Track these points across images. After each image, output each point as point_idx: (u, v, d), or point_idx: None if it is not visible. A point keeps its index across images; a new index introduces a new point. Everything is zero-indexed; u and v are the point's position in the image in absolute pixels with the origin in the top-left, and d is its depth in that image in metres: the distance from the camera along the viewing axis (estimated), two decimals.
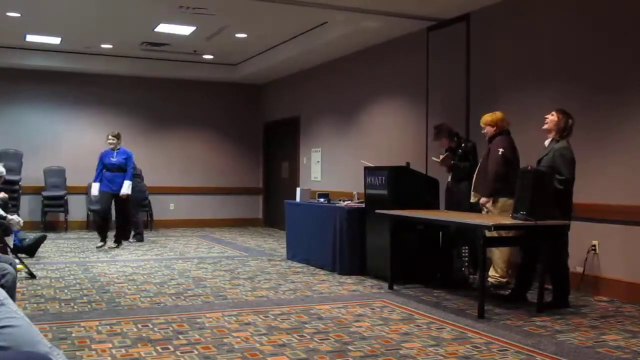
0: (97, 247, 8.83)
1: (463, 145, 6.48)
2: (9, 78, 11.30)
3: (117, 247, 8.92)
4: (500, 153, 5.69)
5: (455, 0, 7.04)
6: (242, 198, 13.13)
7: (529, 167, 5.08)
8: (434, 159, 6.78)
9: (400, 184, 6.42)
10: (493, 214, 5.74)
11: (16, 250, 7.09)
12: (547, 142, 5.26)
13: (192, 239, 10.44)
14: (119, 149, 9.02)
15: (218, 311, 4.92)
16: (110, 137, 9.03)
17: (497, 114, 5.88)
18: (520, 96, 6.60)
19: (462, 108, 7.37)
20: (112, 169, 8.94)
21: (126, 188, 8.90)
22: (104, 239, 8.99)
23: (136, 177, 9.87)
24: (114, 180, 8.89)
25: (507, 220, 5.05)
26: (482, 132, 5.96)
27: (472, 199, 6.02)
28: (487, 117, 5.90)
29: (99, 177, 8.93)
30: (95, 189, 8.94)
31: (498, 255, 6.01)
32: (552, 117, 5.22)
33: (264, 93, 13.25)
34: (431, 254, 6.37)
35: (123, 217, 9.16)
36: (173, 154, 12.55)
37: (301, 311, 4.96)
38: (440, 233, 6.42)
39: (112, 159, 8.95)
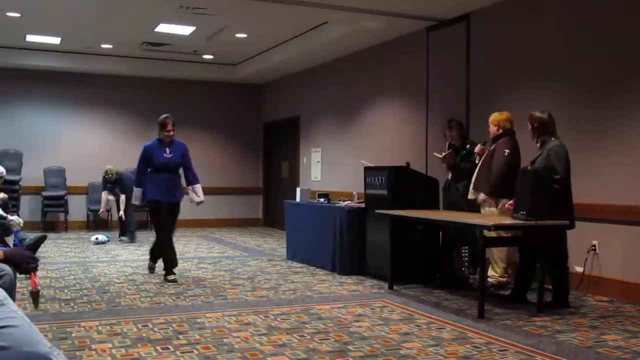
0: (151, 270, 6.79)
1: (468, 146, 6.46)
2: (9, 78, 11.30)
3: (175, 279, 6.31)
4: (506, 154, 5.71)
5: (455, 0, 7.04)
6: (242, 198, 13.13)
7: (529, 168, 5.09)
8: (435, 154, 6.76)
9: (400, 184, 6.42)
10: (494, 214, 5.74)
11: None
12: (539, 144, 5.28)
13: (192, 239, 10.44)
14: (172, 141, 6.54)
15: (218, 311, 4.92)
16: (169, 124, 6.48)
17: (504, 114, 5.90)
18: (520, 96, 6.60)
19: (462, 108, 7.37)
20: (167, 170, 6.42)
21: (201, 193, 6.63)
22: (154, 264, 6.79)
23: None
24: (171, 185, 6.43)
25: (507, 220, 5.05)
26: (490, 129, 5.97)
27: (470, 196, 6.01)
28: (494, 116, 5.93)
29: (142, 181, 6.48)
30: (139, 197, 6.52)
31: (497, 255, 6.01)
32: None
33: (264, 93, 13.24)
34: (431, 254, 6.37)
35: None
36: None
37: (301, 311, 4.96)
38: (440, 233, 6.42)
39: (165, 155, 6.43)
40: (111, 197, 9.88)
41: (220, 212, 12.84)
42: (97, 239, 9.54)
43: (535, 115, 5.27)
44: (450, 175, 6.64)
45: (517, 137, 5.85)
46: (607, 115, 5.76)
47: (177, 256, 6.60)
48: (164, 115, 6.56)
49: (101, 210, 9.97)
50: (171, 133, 6.46)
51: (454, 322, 4.62)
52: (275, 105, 12.74)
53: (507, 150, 5.71)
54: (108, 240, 9.55)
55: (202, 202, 6.65)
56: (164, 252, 6.49)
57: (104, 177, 9.86)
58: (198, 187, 6.59)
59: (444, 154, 6.56)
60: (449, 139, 6.69)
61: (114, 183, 9.72)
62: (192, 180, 6.58)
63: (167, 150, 6.45)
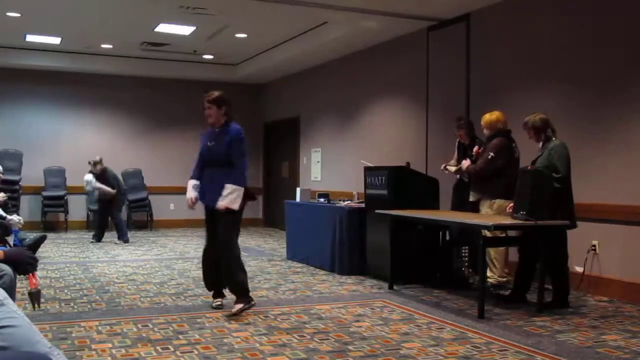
0: (216, 306, 5.02)
1: (476, 147, 6.43)
2: (9, 78, 11.30)
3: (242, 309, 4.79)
4: (489, 157, 5.74)
5: (455, 0, 7.04)
6: None
7: (529, 167, 5.09)
8: (449, 168, 6.69)
9: (400, 184, 6.42)
10: (490, 215, 5.75)
11: None
12: (540, 144, 5.29)
13: (192, 239, 10.43)
14: (224, 125, 4.90)
15: (218, 311, 4.91)
16: (204, 101, 4.89)
17: (494, 115, 5.89)
18: (520, 96, 6.60)
19: (462, 108, 7.37)
20: (210, 162, 4.93)
21: (226, 195, 4.76)
22: (217, 287, 5.13)
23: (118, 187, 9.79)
24: (213, 183, 4.86)
25: (507, 220, 5.05)
26: (484, 131, 5.98)
27: (471, 198, 6.04)
28: (484, 118, 5.94)
29: (197, 173, 5.04)
30: (192, 190, 4.96)
31: (493, 255, 6.01)
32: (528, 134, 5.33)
33: (264, 93, 13.24)
34: (431, 254, 6.37)
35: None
36: (173, 154, 12.54)
37: (301, 311, 4.96)
38: (440, 233, 6.42)
39: (209, 142, 4.95)
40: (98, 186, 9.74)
41: None
42: (90, 181, 9.55)
43: (531, 119, 5.25)
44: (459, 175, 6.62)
45: (515, 137, 5.85)
46: (607, 115, 5.76)
47: (212, 273, 5.15)
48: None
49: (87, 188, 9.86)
50: (205, 112, 4.88)
51: (454, 322, 4.61)
52: (275, 105, 12.74)
53: (491, 154, 5.74)
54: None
55: (224, 207, 4.78)
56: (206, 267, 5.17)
57: (91, 170, 9.74)
58: (227, 187, 4.76)
59: (454, 168, 6.50)
60: (458, 138, 6.68)
61: (100, 175, 9.68)
62: (226, 177, 4.82)
63: (214, 135, 4.92)
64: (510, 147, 5.80)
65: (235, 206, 4.79)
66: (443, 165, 6.65)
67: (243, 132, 4.91)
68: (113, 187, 9.68)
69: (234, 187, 4.77)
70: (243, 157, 4.86)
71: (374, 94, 9.35)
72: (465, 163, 6.02)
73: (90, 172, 9.72)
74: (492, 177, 5.78)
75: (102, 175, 9.67)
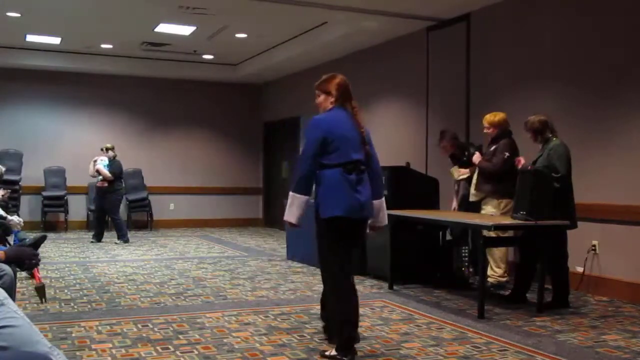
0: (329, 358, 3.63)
1: (467, 153, 6.40)
2: (9, 78, 11.29)
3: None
4: (505, 157, 5.69)
5: (455, 0, 7.05)
6: (242, 198, 13.13)
7: (529, 167, 5.09)
8: (452, 171, 6.62)
9: (400, 184, 6.42)
10: (496, 215, 5.75)
11: None
12: (541, 145, 5.29)
13: (192, 239, 10.44)
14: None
15: (218, 311, 4.92)
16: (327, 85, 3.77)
17: (500, 115, 5.87)
18: (520, 96, 6.60)
19: (462, 108, 7.37)
20: (362, 167, 3.71)
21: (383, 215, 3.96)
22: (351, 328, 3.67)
23: (117, 181, 9.75)
24: (367, 193, 3.74)
25: (507, 220, 5.05)
26: (485, 131, 5.95)
27: (472, 198, 6.02)
28: (489, 118, 5.90)
29: (309, 183, 3.77)
30: (298, 211, 3.84)
31: (496, 254, 6.01)
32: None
33: (264, 93, 13.24)
34: (431, 254, 6.37)
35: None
36: (173, 154, 12.54)
37: (301, 311, 4.96)
38: (440, 233, 6.42)
39: (354, 140, 3.71)
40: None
41: (220, 212, 12.84)
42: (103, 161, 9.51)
43: (532, 119, 5.26)
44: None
45: (517, 139, 5.85)
46: (607, 115, 5.76)
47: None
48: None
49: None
50: (320, 98, 3.83)
51: (454, 322, 4.62)
52: (275, 105, 12.73)
53: (506, 154, 5.70)
54: None
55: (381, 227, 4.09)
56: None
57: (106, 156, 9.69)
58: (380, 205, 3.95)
59: (458, 173, 6.45)
60: (443, 151, 6.62)
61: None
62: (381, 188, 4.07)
63: (359, 128, 3.81)
64: (516, 148, 5.80)
65: (288, 218, 3.84)
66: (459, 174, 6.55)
67: (313, 121, 3.76)
68: (114, 175, 9.60)
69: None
70: (301, 153, 3.80)
71: (374, 93, 9.35)
72: (477, 157, 5.94)
73: (107, 156, 9.69)
74: (501, 177, 5.75)
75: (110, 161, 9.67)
